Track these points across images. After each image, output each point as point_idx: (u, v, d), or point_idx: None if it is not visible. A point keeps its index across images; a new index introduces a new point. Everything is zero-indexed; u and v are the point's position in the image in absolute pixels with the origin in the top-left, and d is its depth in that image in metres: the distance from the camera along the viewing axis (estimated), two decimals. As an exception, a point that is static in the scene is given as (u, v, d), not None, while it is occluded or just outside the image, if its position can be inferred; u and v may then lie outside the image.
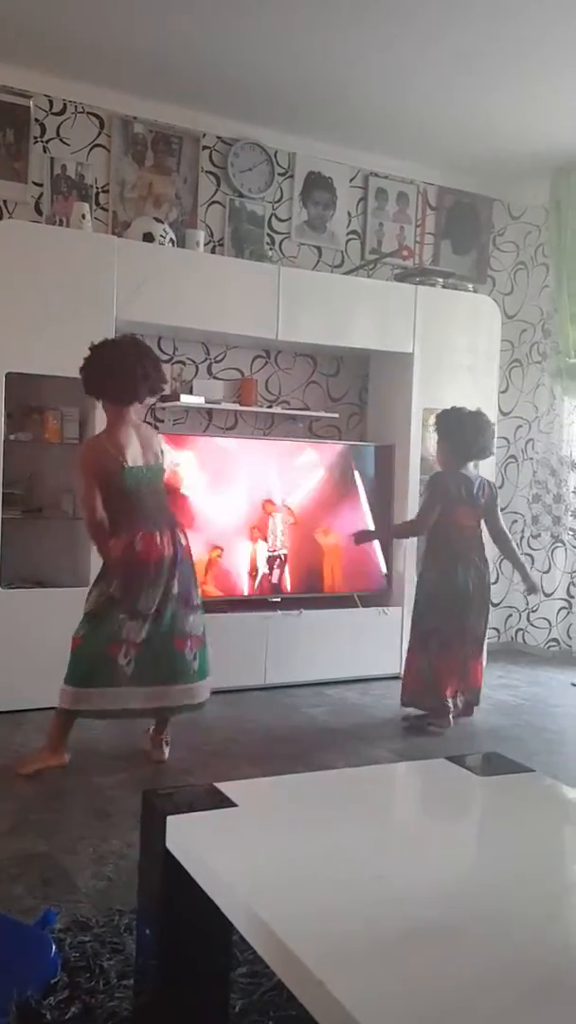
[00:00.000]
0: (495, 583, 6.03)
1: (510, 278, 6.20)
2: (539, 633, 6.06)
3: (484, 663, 4.49)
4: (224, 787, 1.87)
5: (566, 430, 5.81)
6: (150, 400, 3.65)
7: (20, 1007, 1.93)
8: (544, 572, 6.01)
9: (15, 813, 3.08)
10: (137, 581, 3.42)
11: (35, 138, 4.70)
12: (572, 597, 5.96)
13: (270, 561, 4.92)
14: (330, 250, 5.55)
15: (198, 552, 4.24)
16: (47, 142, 4.74)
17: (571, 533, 5.82)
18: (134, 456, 3.47)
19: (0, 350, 4.13)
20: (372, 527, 5.11)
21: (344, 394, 5.56)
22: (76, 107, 4.80)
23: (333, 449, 5.19)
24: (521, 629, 6.18)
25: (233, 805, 1.80)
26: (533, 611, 6.10)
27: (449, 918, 1.43)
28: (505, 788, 2.05)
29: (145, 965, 1.83)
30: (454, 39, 4.14)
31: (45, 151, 4.74)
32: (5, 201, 4.65)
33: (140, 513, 3.47)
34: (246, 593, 4.87)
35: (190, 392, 4.94)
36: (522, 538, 6.14)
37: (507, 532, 4.53)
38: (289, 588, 4.98)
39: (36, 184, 4.72)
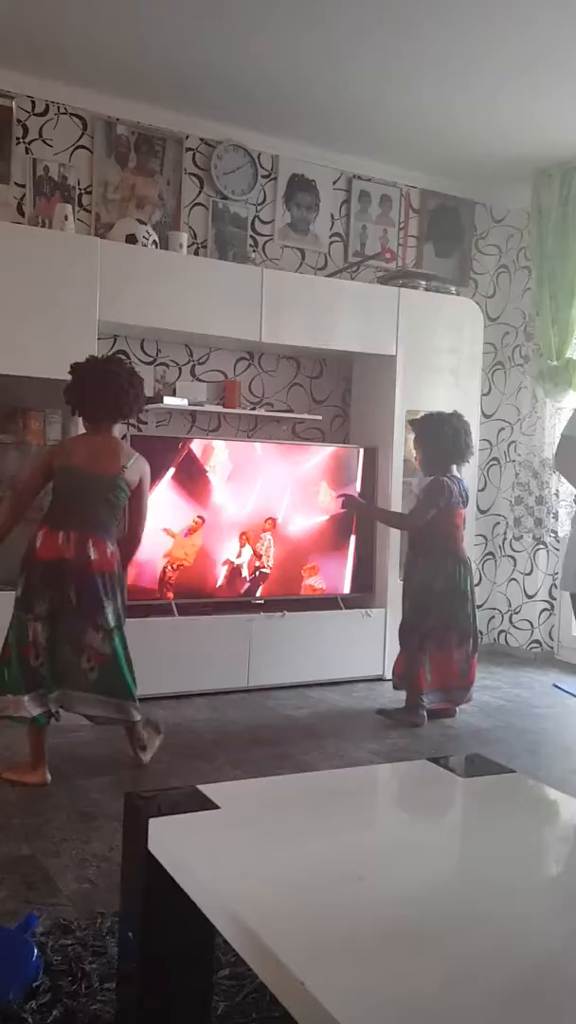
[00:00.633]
0: (478, 584, 6.08)
1: (492, 281, 6.23)
2: (521, 635, 6.09)
3: (472, 662, 4.52)
4: (206, 789, 1.87)
5: (548, 433, 5.84)
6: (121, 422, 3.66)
7: (1, 1011, 1.92)
8: (526, 574, 6.04)
9: (-3, 816, 3.07)
10: (33, 579, 3.39)
11: (17, 139, 4.69)
12: (554, 599, 5.99)
13: (252, 570, 4.93)
14: (313, 252, 5.56)
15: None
16: (29, 143, 4.73)
17: (553, 535, 5.85)
18: (78, 460, 3.46)
19: (-18, 351, 4.12)
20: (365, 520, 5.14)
21: (327, 396, 5.57)
22: (59, 108, 4.79)
23: (321, 451, 5.20)
24: (503, 631, 6.20)
25: (215, 807, 1.80)
26: (516, 613, 6.12)
27: (430, 919, 1.44)
28: (487, 789, 2.06)
29: (127, 968, 1.83)
30: (437, 43, 4.16)
31: (27, 152, 4.73)
32: (-13, 202, 4.64)
33: (54, 512, 3.46)
34: (229, 596, 4.88)
35: (173, 394, 4.93)
36: (504, 540, 6.17)
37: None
38: (270, 592, 4.99)
39: (18, 185, 4.70)
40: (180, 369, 5.10)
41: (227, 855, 1.65)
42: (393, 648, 4.65)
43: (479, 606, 6.14)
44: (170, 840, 1.68)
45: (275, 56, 4.36)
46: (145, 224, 4.74)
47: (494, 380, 6.19)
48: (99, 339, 4.45)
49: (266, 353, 5.31)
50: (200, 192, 5.20)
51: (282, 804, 1.93)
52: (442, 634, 4.38)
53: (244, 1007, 1.99)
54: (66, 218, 4.46)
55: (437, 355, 5.33)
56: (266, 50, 4.30)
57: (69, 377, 3.53)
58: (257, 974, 1.37)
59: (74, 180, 4.83)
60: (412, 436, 4.61)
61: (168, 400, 4.84)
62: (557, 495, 5.77)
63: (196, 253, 5.11)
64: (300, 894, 1.50)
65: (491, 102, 4.75)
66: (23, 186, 4.72)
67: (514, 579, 6.13)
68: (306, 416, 5.35)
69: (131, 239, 4.59)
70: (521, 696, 5.07)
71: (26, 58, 4.48)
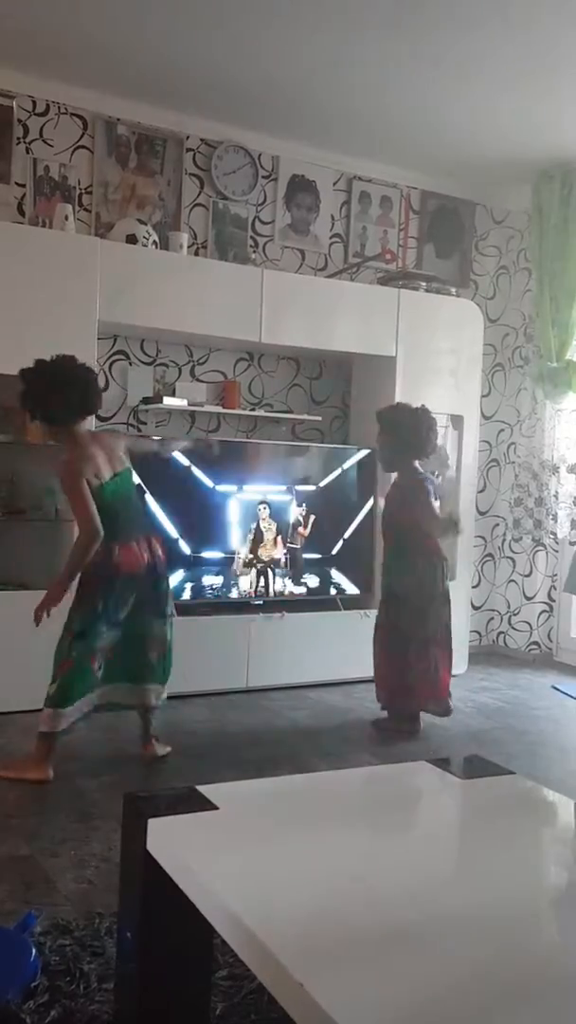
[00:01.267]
0: (476, 586, 6.09)
1: (493, 282, 6.23)
2: (520, 636, 6.09)
3: (446, 668, 4.32)
4: (205, 790, 1.87)
5: (548, 434, 5.84)
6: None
7: (0, 1011, 1.92)
8: (526, 576, 6.04)
9: (-4, 816, 3.07)
10: (114, 591, 3.46)
11: (18, 139, 4.69)
12: (553, 600, 5.99)
13: (257, 567, 4.93)
14: (313, 253, 5.56)
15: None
16: (30, 143, 4.73)
17: (552, 537, 5.85)
18: (104, 469, 3.48)
19: (-18, 351, 4.12)
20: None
21: (327, 397, 5.57)
22: (59, 108, 4.79)
23: (320, 452, 5.20)
24: (502, 632, 6.21)
25: (214, 808, 1.80)
26: (515, 614, 6.12)
27: (429, 920, 1.44)
28: (486, 790, 2.06)
29: (126, 968, 1.83)
30: (438, 44, 4.16)
31: (28, 152, 4.73)
32: (-12, 202, 4.64)
33: (116, 525, 3.46)
34: (230, 596, 4.88)
35: (173, 394, 4.94)
36: (503, 541, 6.17)
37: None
38: (272, 593, 4.99)
39: (19, 185, 4.70)
40: (180, 369, 5.10)
41: (226, 856, 1.65)
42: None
43: (478, 608, 6.16)
44: (169, 840, 1.68)
45: (276, 57, 4.36)
46: (145, 224, 4.74)
47: (494, 381, 6.19)
48: (99, 339, 4.45)
49: (266, 354, 5.31)
50: (200, 192, 5.20)
51: (281, 805, 1.93)
52: (432, 641, 4.24)
53: (242, 1008, 1.99)
54: (66, 218, 4.46)
55: (437, 356, 5.33)
56: (267, 51, 4.31)
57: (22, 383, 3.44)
58: (255, 975, 1.37)
59: (74, 180, 4.83)
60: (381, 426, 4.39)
61: (168, 400, 4.84)
62: (556, 497, 5.78)
63: (196, 253, 5.11)
64: (299, 895, 1.50)
65: (492, 103, 4.75)
66: (23, 186, 4.72)
67: (513, 581, 6.13)
68: (305, 417, 5.35)
69: (131, 239, 4.59)
70: (520, 697, 5.07)
71: (27, 58, 4.47)
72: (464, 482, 5.50)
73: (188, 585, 4.75)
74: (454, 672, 5.27)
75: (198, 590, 4.79)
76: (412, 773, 2.22)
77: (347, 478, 5.22)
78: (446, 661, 4.30)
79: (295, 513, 5.06)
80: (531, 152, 5.36)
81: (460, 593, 5.18)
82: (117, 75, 4.63)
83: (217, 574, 4.84)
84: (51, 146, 4.78)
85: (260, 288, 4.81)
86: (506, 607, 6.17)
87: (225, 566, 4.86)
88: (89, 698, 3.46)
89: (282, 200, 5.43)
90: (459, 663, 5.42)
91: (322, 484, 5.14)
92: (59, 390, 3.42)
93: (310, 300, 4.96)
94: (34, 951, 2.12)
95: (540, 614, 6.00)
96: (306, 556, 5.10)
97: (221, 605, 4.86)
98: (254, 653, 4.83)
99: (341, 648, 5.04)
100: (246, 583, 4.91)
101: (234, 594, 4.89)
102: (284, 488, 5.04)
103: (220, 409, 5.06)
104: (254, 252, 5.32)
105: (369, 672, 5.15)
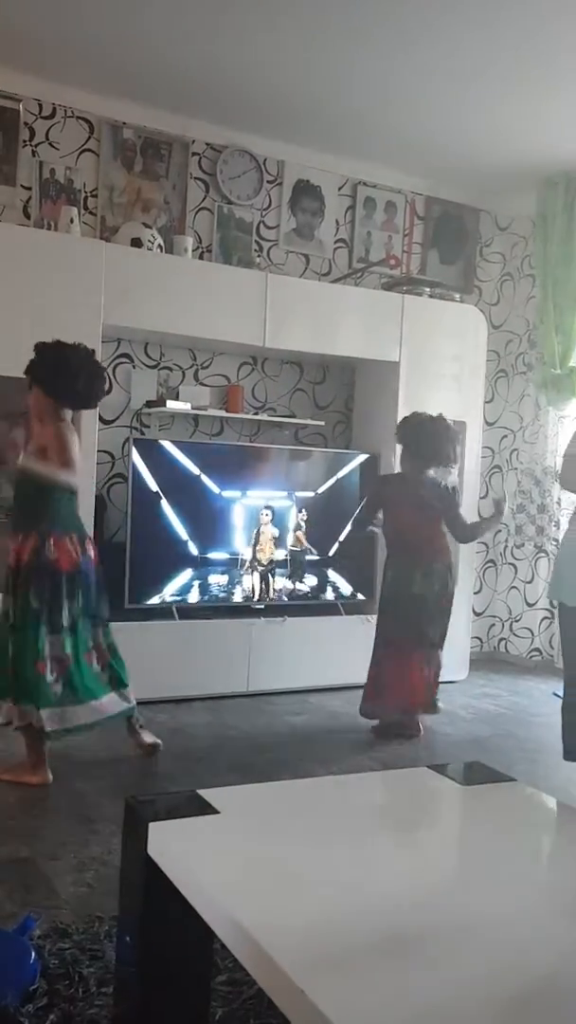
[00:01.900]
0: (478, 592, 6.08)
1: (496, 289, 6.23)
2: (522, 643, 6.08)
3: (431, 673, 4.29)
4: (207, 794, 1.87)
5: (550, 441, 5.84)
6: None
7: (-1, 1014, 1.92)
8: (527, 582, 6.04)
9: (-4, 818, 3.07)
10: (56, 592, 3.38)
11: (24, 142, 4.70)
12: (554, 607, 5.98)
13: (259, 570, 4.93)
14: (318, 258, 5.56)
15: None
16: (36, 146, 4.74)
17: (554, 543, 5.85)
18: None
19: (-14, 353, 4.12)
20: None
21: (330, 402, 5.57)
22: (66, 111, 4.80)
23: (322, 457, 5.20)
24: (504, 639, 6.20)
25: (216, 812, 1.80)
26: (516, 621, 6.12)
27: (430, 927, 1.43)
28: (487, 797, 2.05)
29: (125, 972, 1.82)
30: (444, 51, 4.17)
31: (34, 155, 4.73)
32: (-7, 204, 4.65)
33: (60, 518, 3.42)
34: (232, 599, 4.88)
35: (176, 398, 4.94)
36: (505, 547, 6.17)
37: (469, 528, 4.43)
38: (272, 594, 4.99)
39: (24, 188, 4.71)
40: (183, 373, 5.11)
41: (228, 861, 1.64)
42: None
43: (479, 614, 6.16)
44: (170, 844, 1.68)
45: (282, 62, 4.37)
46: (150, 228, 4.75)
47: (497, 388, 6.19)
48: (103, 342, 4.45)
49: (269, 358, 5.32)
50: (205, 196, 5.21)
51: (283, 810, 1.93)
52: (400, 643, 4.23)
53: (242, 1013, 1.98)
54: (71, 221, 4.47)
55: (440, 362, 5.33)
56: (273, 56, 4.31)
57: (43, 353, 3.46)
58: (257, 981, 1.36)
59: (80, 183, 4.84)
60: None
61: (171, 404, 4.84)
62: (559, 503, 5.77)
63: (201, 257, 5.12)
64: (300, 901, 1.50)
65: (497, 110, 4.76)
66: (29, 189, 4.73)
67: (515, 587, 6.13)
68: (308, 421, 5.35)
69: (136, 243, 4.60)
70: (521, 704, 5.07)
71: (34, 61, 4.49)
72: (466, 488, 5.49)
73: (195, 584, 4.75)
74: (455, 678, 5.29)
75: (203, 591, 4.79)
76: (413, 779, 2.21)
77: (349, 483, 5.22)
78: (420, 662, 4.25)
79: (296, 518, 5.06)
80: (536, 159, 5.36)
81: (462, 599, 5.17)
82: (123, 79, 4.64)
83: (222, 574, 4.84)
84: (57, 149, 4.79)
85: (264, 292, 4.81)
86: (507, 613, 6.16)
87: (229, 568, 4.86)
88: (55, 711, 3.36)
89: (287, 205, 5.44)
90: (460, 669, 5.44)
91: (324, 489, 5.14)
92: (72, 374, 3.42)
93: (314, 305, 4.96)
94: (33, 954, 2.12)
95: (541, 620, 6.00)
96: (307, 560, 5.09)
97: (223, 608, 4.86)
98: (255, 657, 4.83)
99: (342, 653, 5.03)
100: (248, 586, 4.91)
101: (236, 597, 4.89)
102: (286, 493, 5.04)
103: (223, 413, 5.07)
104: (258, 256, 5.33)
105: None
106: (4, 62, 4.49)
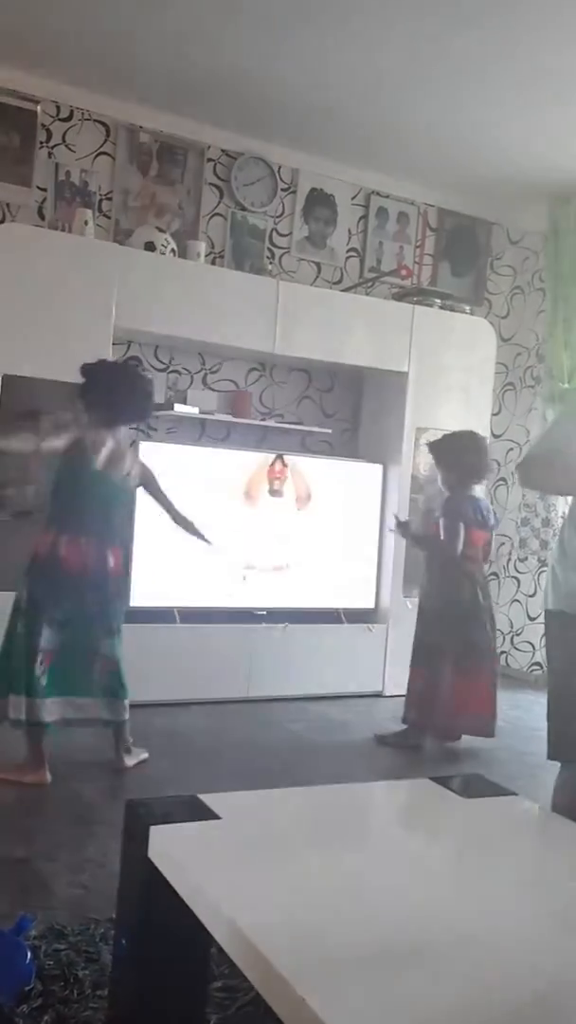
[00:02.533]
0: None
1: (506, 302, 6.24)
2: (522, 656, 6.07)
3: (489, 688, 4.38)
4: (208, 799, 1.86)
5: (557, 455, 5.83)
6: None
7: (-7, 1014, 1.91)
8: (530, 596, 6.03)
9: (-7, 818, 3.07)
10: (53, 587, 3.40)
11: (41, 143, 4.71)
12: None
13: (263, 575, 4.93)
14: (329, 266, 5.58)
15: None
16: (53, 148, 4.76)
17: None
18: (102, 461, 3.47)
19: (-3, 352, 4.14)
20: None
21: (338, 410, 5.58)
22: (83, 114, 4.82)
23: (328, 465, 5.21)
24: (504, 652, 6.19)
25: (216, 817, 1.80)
26: (517, 634, 6.11)
27: (430, 938, 1.43)
28: (487, 810, 2.05)
29: (121, 975, 1.82)
30: (461, 62, 4.18)
31: (50, 156, 4.75)
32: (8, 204, 4.66)
33: (71, 517, 3.44)
34: (232, 604, 4.88)
35: (184, 402, 4.94)
36: (509, 560, 6.16)
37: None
38: (275, 602, 4.98)
39: (40, 189, 4.73)
40: (192, 377, 5.12)
41: (228, 866, 1.64)
42: (395, 664, 4.62)
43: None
44: (170, 848, 1.68)
45: (299, 71, 4.38)
46: (164, 232, 4.76)
47: (504, 400, 6.20)
48: (113, 344, 4.46)
49: (278, 365, 5.32)
50: (219, 203, 5.22)
51: (284, 818, 1.93)
52: (461, 658, 4.26)
53: (237, 1020, 1.98)
54: (86, 223, 4.49)
55: (449, 373, 5.34)
56: (290, 64, 4.33)
57: (85, 377, 3.52)
58: (255, 988, 1.36)
59: (95, 186, 4.86)
60: (432, 456, 4.41)
61: (179, 408, 4.84)
62: (563, 517, 5.76)
63: (213, 263, 5.13)
64: (301, 908, 1.49)
65: (512, 124, 4.77)
66: (44, 190, 4.74)
67: (517, 600, 6.12)
68: (316, 429, 5.35)
69: (149, 246, 4.61)
70: (521, 718, 5.05)
71: (52, 63, 4.51)
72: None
73: (198, 588, 4.75)
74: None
75: (206, 595, 4.78)
76: (413, 790, 2.21)
77: (356, 491, 5.22)
78: (464, 679, 4.30)
79: (301, 524, 5.05)
80: (547, 174, 5.37)
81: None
82: (141, 83, 4.66)
83: (225, 579, 4.83)
84: (73, 151, 4.81)
85: (275, 299, 4.82)
86: (509, 627, 6.16)
87: (232, 572, 4.85)
88: (34, 702, 3.38)
89: (300, 213, 5.46)
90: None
91: (331, 497, 5.14)
92: (125, 396, 3.52)
93: (324, 313, 4.97)
94: (29, 954, 2.12)
95: (542, 635, 5.98)
96: (312, 568, 5.09)
97: (224, 613, 4.85)
98: (255, 663, 4.82)
99: (343, 662, 5.03)
100: (251, 592, 4.91)
101: (238, 602, 4.88)
102: (290, 499, 5.04)
103: (231, 418, 5.07)
104: (270, 263, 5.34)
105: (371, 687, 5.14)
106: (23, 64, 4.51)
